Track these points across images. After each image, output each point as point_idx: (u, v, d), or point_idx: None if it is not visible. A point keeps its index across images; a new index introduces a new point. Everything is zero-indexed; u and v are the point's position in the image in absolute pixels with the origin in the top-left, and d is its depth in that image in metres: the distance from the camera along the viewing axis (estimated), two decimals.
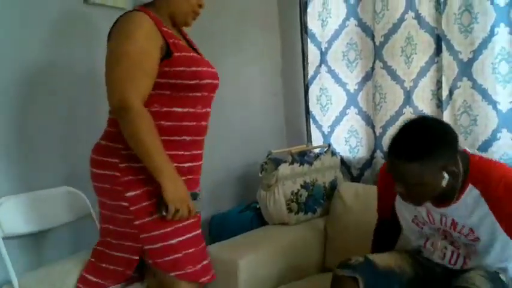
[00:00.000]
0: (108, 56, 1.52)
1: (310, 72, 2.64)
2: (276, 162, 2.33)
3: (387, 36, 2.30)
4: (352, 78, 2.50)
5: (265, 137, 2.74)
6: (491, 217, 1.46)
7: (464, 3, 2.05)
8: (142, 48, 1.47)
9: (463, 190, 1.48)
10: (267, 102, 2.78)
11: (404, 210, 1.67)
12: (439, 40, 2.16)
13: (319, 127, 2.66)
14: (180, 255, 1.53)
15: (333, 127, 2.60)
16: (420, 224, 1.64)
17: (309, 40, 2.62)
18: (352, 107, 2.51)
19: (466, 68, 2.06)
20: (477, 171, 1.48)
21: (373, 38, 2.37)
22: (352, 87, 2.50)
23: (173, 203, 1.47)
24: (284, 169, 2.26)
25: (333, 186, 2.41)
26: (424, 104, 2.24)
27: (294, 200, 2.26)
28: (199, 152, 1.66)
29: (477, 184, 1.47)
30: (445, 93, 2.15)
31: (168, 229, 1.52)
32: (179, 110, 1.56)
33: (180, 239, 1.54)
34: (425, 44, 2.21)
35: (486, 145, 2.03)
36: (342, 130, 2.56)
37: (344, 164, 2.56)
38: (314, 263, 2.23)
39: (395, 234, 1.80)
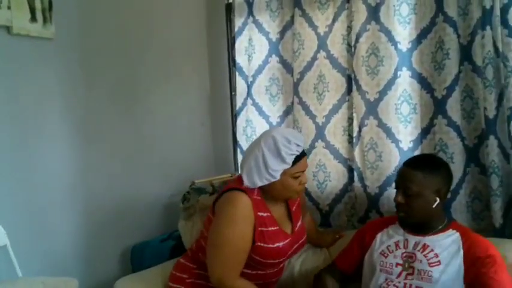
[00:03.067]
0: (212, 235, 1.77)
1: (238, 103, 2.73)
2: (199, 192, 2.40)
3: (302, 74, 2.42)
4: (274, 111, 2.60)
5: (194, 166, 2.81)
6: (460, 253, 1.71)
7: (372, 47, 2.18)
8: (241, 233, 1.73)
9: (444, 230, 1.79)
10: (195, 132, 2.86)
11: (384, 242, 1.86)
12: (350, 80, 2.29)
13: None
14: None
15: None
16: (386, 253, 1.83)
17: (237, 73, 2.72)
18: None
19: (372, 108, 2.19)
20: (459, 226, 1.84)
21: (292, 74, 2.49)
22: (274, 120, 2.60)
23: None
24: (204, 199, 2.33)
25: None
26: (336, 139, 2.36)
27: None
28: None
29: (459, 231, 1.77)
30: (355, 129, 2.28)
31: None
32: (249, 271, 1.82)
33: None
34: (337, 82, 2.33)
35: (390, 180, 2.16)
36: None
37: None
38: None
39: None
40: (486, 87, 1.91)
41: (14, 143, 2.12)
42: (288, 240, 1.83)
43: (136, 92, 2.62)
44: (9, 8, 2.07)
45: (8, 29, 2.08)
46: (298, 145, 1.78)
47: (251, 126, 2.70)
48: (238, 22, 2.66)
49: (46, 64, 2.26)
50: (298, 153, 1.77)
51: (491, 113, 1.90)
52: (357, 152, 2.28)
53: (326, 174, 2.39)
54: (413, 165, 1.81)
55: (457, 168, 2.02)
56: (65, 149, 2.33)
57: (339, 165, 2.37)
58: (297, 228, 1.89)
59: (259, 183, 1.77)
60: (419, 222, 1.81)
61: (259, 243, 1.75)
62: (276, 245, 1.78)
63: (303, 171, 1.82)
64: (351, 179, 2.35)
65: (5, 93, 2.09)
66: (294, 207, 1.93)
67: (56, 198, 2.29)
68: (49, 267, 2.23)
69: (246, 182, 1.79)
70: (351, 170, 2.35)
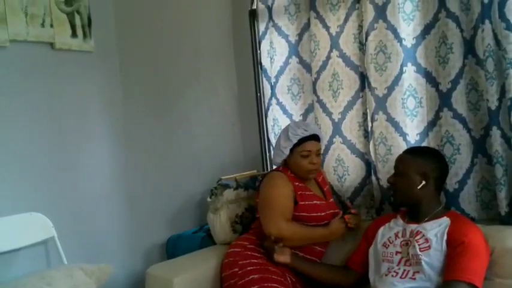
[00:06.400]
0: (260, 202, 2.26)
1: (266, 104, 2.88)
2: (225, 187, 2.57)
3: (319, 73, 2.53)
4: (296, 110, 2.73)
5: (225, 164, 2.98)
6: (444, 237, 1.81)
7: (380, 45, 2.26)
8: (282, 193, 2.18)
9: (438, 217, 1.89)
10: (226, 131, 3.04)
11: (386, 234, 1.99)
12: (363, 77, 2.38)
13: None
14: None
15: None
16: (387, 244, 1.95)
17: (263, 75, 2.88)
18: None
19: (381, 103, 2.27)
20: (456, 214, 1.95)
21: (311, 74, 2.60)
22: (297, 118, 2.73)
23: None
24: (229, 194, 2.50)
25: None
26: (351, 135, 2.45)
27: (239, 222, 2.49)
28: None
29: (451, 218, 1.87)
30: (369, 124, 2.37)
31: None
32: None
33: None
34: (351, 80, 2.43)
35: None
36: None
37: None
38: None
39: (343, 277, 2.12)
40: (487, 79, 1.95)
41: (60, 145, 2.35)
42: (323, 202, 2.28)
43: (169, 96, 2.82)
44: (51, 26, 2.31)
45: (52, 44, 2.32)
46: (305, 129, 2.23)
47: (278, 124, 2.83)
48: (261, 27, 2.81)
49: (87, 74, 2.49)
50: (303, 135, 2.22)
51: (493, 105, 1.94)
52: (371, 146, 2.37)
53: (344, 169, 2.50)
54: (407, 150, 2.02)
55: (464, 159, 2.08)
56: (106, 149, 2.55)
57: (357, 160, 2.46)
58: (329, 201, 2.34)
59: (277, 160, 2.31)
60: (407, 203, 1.94)
61: (301, 202, 2.19)
62: (314, 202, 2.23)
63: (310, 151, 2.22)
64: (368, 172, 2.44)
65: (51, 101, 2.32)
66: (326, 188, 2.39)
67: (98, 194, 2.50)
68: (93, 257, 2.42)
69: (273, 161, 2.38)
70: (368, 164, 2.44)
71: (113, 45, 2.61)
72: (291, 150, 2.24)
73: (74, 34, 2.42)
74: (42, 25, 2.29)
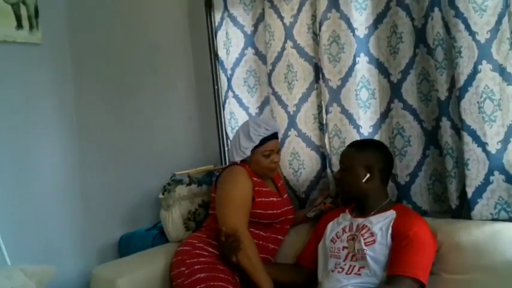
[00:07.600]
0: (221, 197, 2.14)
1: (222, 97, 2.81)
2: (178, 183, 2.49)
3: (274, 64, 2.47)
4: (253, 103, 2.66)
5: (183, 159, 2.90)
6: (389, 231, 1.76)
7: (333, 35, 2.21)
8: (243, 191, 2.11)
9: (384, 210, 1.85)
10: (183, 125, 2.96)
11: (334, 230, 1.95)
12: (318, 68, 2.32)
13: None
14: None
15: None
16: (335, 239, 1.90)
17: (219, 67, 2.80)
18: None
19: (335, 95, 2.22)
20: (403, 207, 1.92)
21: (267, 66, 2.53)
22: (253, 111, 2.67)
23: None
24: (181, 190, 2.42)
25: None
26: (307, 127, 2.40)
27: (192, 219, 2.42)
28: None
29: (398, 211, 1.83)
30: (324, 117, 2.31)
31: None
32: (252, 230, 2.11)
33: None
34: (305, 71, 2.37)
35: None
36: None
37: None
38: None
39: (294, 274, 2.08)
40: (437, 69, 1.90)
41: (7, 143, 2.25)
42: (279, 198, 2.23)
43: (125, 90, 2.73)
44: None
45: None
46: (266, 129, 2.16)
47: (234, 118, 2.76)
48: (217, 17, 2.74)
49: (35, 67, 2.39)
50: (265, 135, 2.15)
51: (442, 95, 1.90)
52: (325, 139, 2.31)
53: (300, 162, 2.44)
54: (350, 144, 1.99)
55: (415, 151, 2.04)
56: (58, 146, 2.46)
57: (312, 153, 2.41)
58: (284, 197, 2.29)
59: (237, 159, 2.20)
60: (354, 198, 1.90)
61: (258, 199, 2.12)
62: (271, 199, 2.17)
63: (272, 150, 2.18)
64: (323, 165, 2.38)
65: None
66: (280, 184, 2.33)
67: (48, 192, 2.41)
68: (43, 257, 2.34)
69: (230, 158, 2.29)
70: (323, 157, 2.38)
71: (64, 37, 2.52)
72: (252, 150, 2.17)
73: (20, 26, 2.33)
74: None
